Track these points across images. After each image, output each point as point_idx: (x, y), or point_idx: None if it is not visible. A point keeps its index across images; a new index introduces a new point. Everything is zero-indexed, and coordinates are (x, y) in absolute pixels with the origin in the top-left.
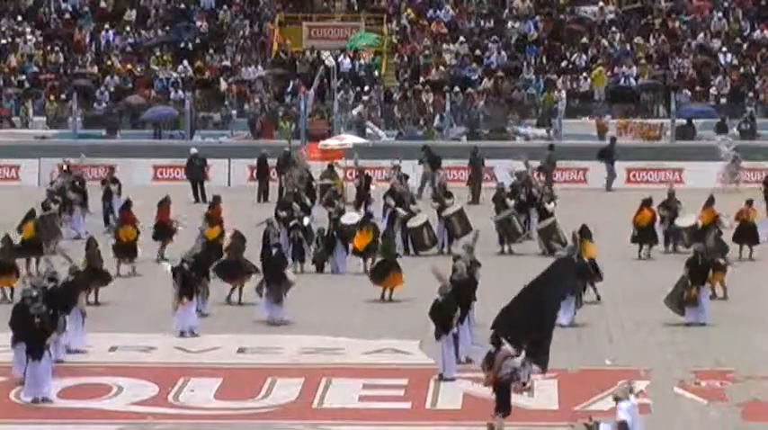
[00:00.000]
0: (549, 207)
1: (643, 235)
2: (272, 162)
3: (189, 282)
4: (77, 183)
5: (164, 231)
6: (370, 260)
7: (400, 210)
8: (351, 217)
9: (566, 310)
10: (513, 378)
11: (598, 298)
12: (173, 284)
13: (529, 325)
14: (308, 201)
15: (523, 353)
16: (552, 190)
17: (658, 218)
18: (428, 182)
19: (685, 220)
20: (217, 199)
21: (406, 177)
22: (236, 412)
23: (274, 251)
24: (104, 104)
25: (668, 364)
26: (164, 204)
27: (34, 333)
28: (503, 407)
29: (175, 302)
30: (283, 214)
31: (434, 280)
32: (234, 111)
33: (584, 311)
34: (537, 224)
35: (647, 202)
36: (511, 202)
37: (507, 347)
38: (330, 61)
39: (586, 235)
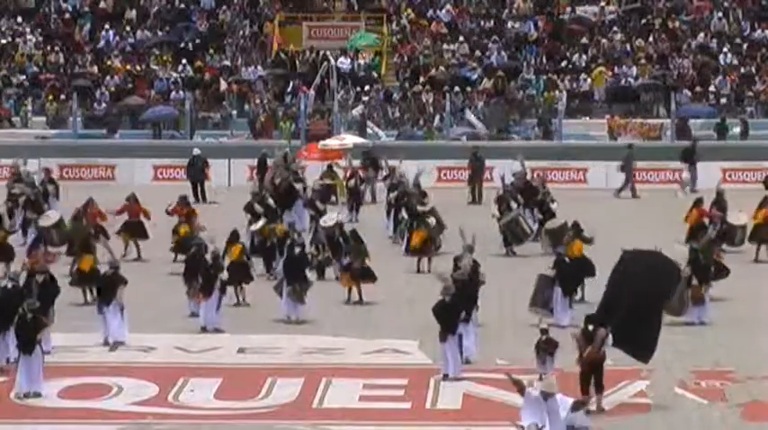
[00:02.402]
0: (554, 206)
1: (696, 235)
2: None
3: (210, 278)
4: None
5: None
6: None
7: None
8: (330, 218)
9: (563, 310)
10: (605, 355)
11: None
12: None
13: (623, 313)
14: (271, 203)
15: (610, 337)
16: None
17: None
18: (368, 185)
19: (738, 219)
20: (183, 198)
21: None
22: (236, 412)
23: (297, 251)
24: (104, 104)
25: (668, 364)
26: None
27: (26, 328)
28: (602, 383)
29: (197, 296)
30: (249, 216)
31: (434, 280)
32: (234, 111)
33: (585, 311)
34: (546, 224)
35: (698, 203)
36: (514, 204)
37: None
38: (332, 60)
39: (577, 233)
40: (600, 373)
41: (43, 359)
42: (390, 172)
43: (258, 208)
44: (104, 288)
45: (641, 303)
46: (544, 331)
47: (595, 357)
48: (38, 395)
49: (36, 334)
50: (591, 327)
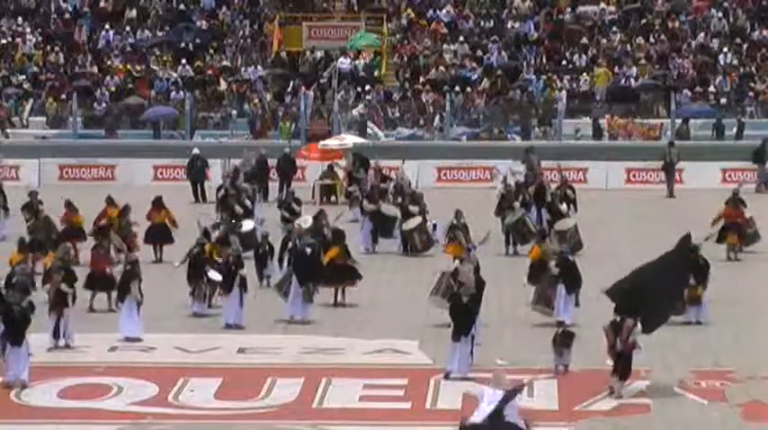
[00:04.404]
0: (563, 208)
1: (726, 235)
2: (271, 162)
3: (230, 275)
4: None
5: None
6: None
7: (369, 206)
8: (305, 220)
9: (566, 308)
10: (636, 346)
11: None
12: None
13: (643, 297)
14: (248, 204)
15: (639, 323)
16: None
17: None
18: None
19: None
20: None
21: (387, 178)
22: (236, 412)
23: (308, 251)
24: (104, 104)
25: (668, 364)
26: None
27: (14, 321)
28: (626, 372)
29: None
30: (225, 215)
31: (433, 280)
32: (234, 111)
33: (584, 311)
34: (556, 225)
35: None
36: (516, 203)
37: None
38: (337, 62)
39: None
40: (627, 362)
41: (29, 351)
42: (395, 176)
43: (238, 208)
44: (119, 284)
45: (663, 287)
46: (561, 323)
47: (626, 349)
48: (23, 385)
49: (24, 327)
50: (618, 319)
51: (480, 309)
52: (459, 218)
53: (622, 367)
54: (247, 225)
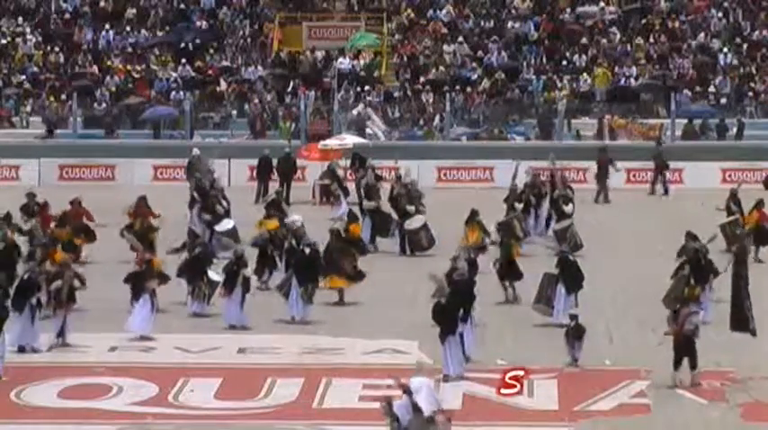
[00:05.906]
0: (567, 209)
1: (755, 236)
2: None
3: (230, 275)
4: None
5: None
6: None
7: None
8: (293, 221)
9: (566, 308)
10: (696, 333)
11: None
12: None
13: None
14: (225, 204)
15: (702, 312)
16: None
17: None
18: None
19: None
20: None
21: (381, 177)
22: (236, 412)
23: (308, 250)
24: (104, 104)
25: (668, 364)
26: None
27: None
28: (693, 361)
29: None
30: (207, 217)
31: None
32: (234, 111)
33: (585, 311)
34: (554, 225)
35: (758, 205)
36: (519, 206)
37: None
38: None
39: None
40: (692, 352)
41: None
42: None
43: (219, 208)
44: (135, 283)
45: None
46: (573, 317)
47: (682, 335)
48: None
49: (3, 321)
50: (677, 306)
51: (467, 305)
52: (476, 216)
53: (689, 357)
54: (227, 224)
